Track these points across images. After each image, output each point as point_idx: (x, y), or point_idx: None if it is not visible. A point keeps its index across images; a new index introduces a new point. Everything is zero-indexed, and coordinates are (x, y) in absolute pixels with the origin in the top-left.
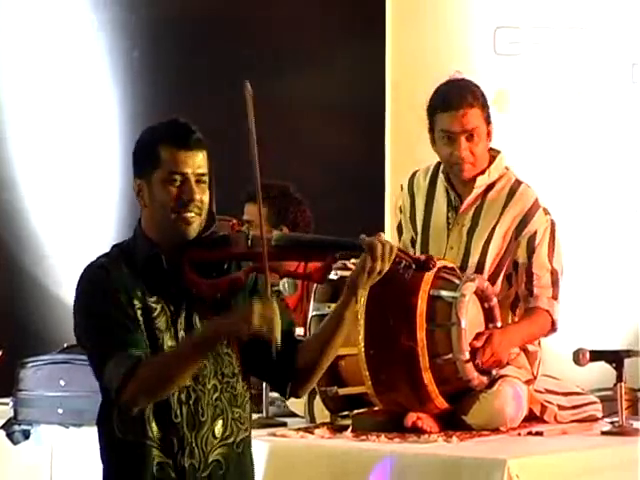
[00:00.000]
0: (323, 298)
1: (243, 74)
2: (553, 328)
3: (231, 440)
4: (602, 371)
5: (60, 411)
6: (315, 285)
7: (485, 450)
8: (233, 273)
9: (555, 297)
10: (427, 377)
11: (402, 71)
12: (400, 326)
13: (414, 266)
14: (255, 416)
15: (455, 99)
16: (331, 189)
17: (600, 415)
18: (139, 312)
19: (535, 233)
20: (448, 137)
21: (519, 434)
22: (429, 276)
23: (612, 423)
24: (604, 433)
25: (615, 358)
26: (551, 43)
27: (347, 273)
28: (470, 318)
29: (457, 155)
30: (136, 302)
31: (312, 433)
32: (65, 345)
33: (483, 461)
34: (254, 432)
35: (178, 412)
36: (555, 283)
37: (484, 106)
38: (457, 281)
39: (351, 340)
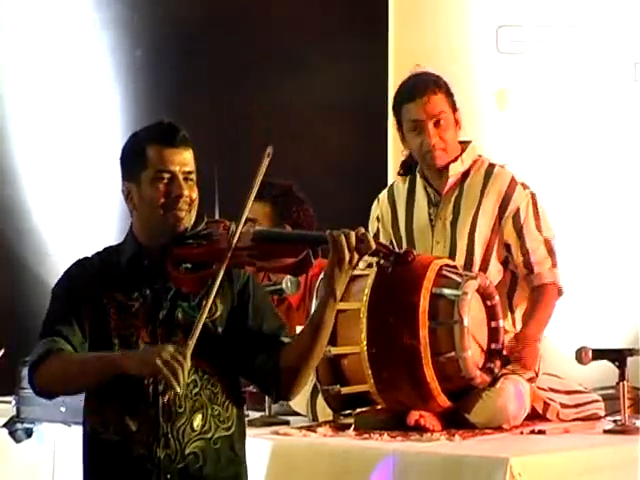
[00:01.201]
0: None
1: (243, 74)
2: (560, 294)
3: (209, 435)
4: (604, 370)
5: (62, 409)
6: (317, 284)
7: (487, 448)
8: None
9: (555, 265)
10: (429, 375)
11: (404, 70)
12: (402, 324)
13: (392, 258)
14: (258, 414)
15: (417, 87)
16: (332, 189)
17: (602, 413)
18: (112, 310)
19: (518, 210)
20: (416, 127)
21: (521, 432)
22: (431, 274)
23: (614, 422)
24: (606, 431)
25: (618, 357)
26: (553, 41)
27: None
28: (472, 316)
29: (427, 142)
30: (108, 300)
31: (314, 431)
32: None
33: (485, 459)
34: (257, 430)
35: (153, 404)
36: (551, 251)
37: (448, 93)
38: (459, 279)
39: (353, 339)
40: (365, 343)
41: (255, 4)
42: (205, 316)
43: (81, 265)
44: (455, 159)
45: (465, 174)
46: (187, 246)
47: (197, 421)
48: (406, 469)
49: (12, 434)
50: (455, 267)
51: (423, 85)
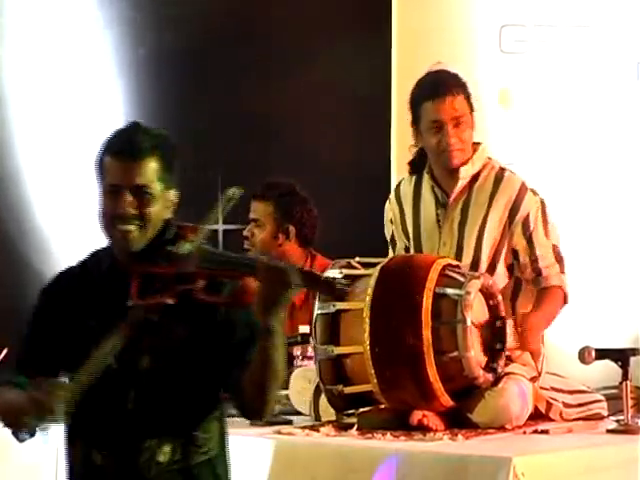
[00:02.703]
0: (328, 297)
1: (243, 74)
2: (565, 301)
3: (180, 465)
4: (607, 369)
5: None
6: None
7: (490, 448)
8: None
9: (562, 271)
10: (432, 375)
11: (407, 70)
12: (405, 324)
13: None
14: None
15: (441, 87)
16: (333, 189)
17: (605, 413)
18: (82, 334)
19: (528, 216)
20: (435, 126)
21: (524, 432)
22: (434, 274)
23: (617, 421)
24: (609, 431)
25: (621, 356)
26: (557, 41)
27: (352, 272)
28: (475, 315)
29: (446, 142)
30: (80, 321)
31: (317, 431)
32: None
33: (489, 459)
34: (259, 430)
35: (118, 437)
36: (559, 257)
37: (468, 94)
38: (462, 279)
39: (356, 338)
40: (368, 343)
41: (255, 4)
42: (105, 353)
43: (57, 281)
44: (466, 162)
45: (475, 177)
46: (150, 264)
47: (164, 454)
48: (409, 469)
49: (15, 433)
50: (458, 267)
51: (445, 84)
